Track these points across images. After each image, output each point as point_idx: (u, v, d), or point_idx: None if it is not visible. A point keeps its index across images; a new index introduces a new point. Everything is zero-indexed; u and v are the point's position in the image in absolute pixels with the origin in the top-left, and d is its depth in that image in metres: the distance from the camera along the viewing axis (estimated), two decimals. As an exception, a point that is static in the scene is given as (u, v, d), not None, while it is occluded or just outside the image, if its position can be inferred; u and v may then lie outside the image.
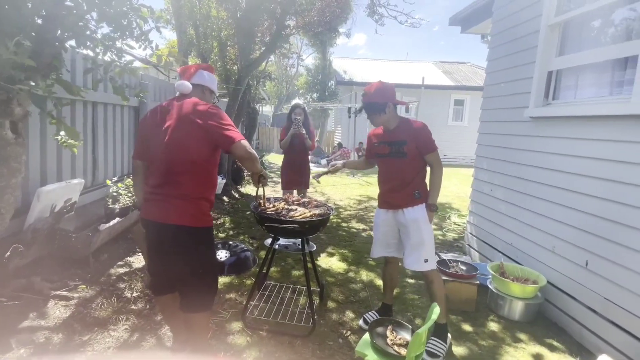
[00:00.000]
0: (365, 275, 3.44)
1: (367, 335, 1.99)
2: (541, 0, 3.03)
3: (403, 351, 1.85)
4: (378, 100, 2.31)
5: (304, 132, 4.14)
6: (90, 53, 2.10)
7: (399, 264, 2.62)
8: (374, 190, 8.05)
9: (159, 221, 1.75)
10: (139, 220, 2.20)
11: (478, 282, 2.86)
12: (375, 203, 6.85)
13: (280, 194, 4.59)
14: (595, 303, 2.40)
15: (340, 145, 13.03)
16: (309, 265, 2.65)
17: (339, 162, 2.76)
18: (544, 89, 3.02)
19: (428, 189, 2.40)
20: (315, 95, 15.42)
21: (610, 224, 2.33)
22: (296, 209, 2.47)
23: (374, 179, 9.76)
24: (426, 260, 2.30)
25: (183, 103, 1.79)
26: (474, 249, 3.96)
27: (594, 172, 2.49)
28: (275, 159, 12.41)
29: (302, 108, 4.32)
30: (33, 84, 1.44)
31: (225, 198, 5.95)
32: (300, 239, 2.48)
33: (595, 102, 2.59)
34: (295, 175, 4.29)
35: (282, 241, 2.62)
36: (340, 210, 6.02)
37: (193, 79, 1.96)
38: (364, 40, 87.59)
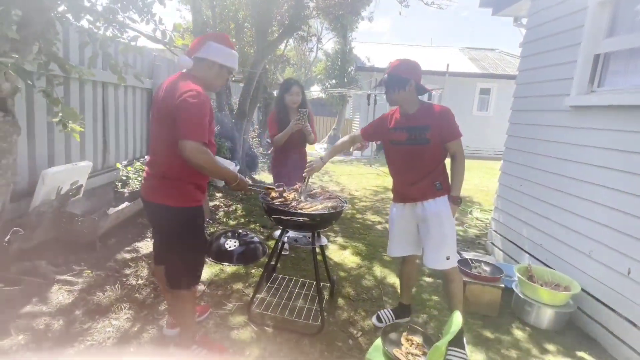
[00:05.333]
0: (379, 271, 3.26)
1: (379, 341, 1.83)
2: (591, -28, 2.67)
3: (418, 362, 1.68)
4: (401, 74, 2.08)
5: (309, 128, 3.08)
6: (91, 27, 1.95)
7: (417, 261, 2.43)
8: (391, 180, 7.78)
9: (144, 198, 1.85)
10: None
11: (503, 285, 2.63)
12: (392, 195, 6.63)
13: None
14: (638, 316, 2.14)
15: None
16: (320, 259, 2.50)
17: (317, 161, 2.42)
18: (589, 75, 2.69)
19: (449, 180, 2.18)
20: (333, 81, 15.03)
21: (662, 229, 2.05)
22: (307, 201, 2.30)
23: (391, 169, 9.47)
24: (448, 258, 2.11)
25: (173, 83, 1.68)
26: (498, 248, 3.70)
27: (644, 170, 2.19)
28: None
29: (301, 86, 3.19)
30: (16, 56, 1.30)
31: (238, 184, 5.84)
32: (310, 233, 2.32)
33: (651, 89, 2.26)
34: (294, 177, 2.93)
35: (291, 233, 2.47)
36: (356, 200, 5.82)
37: (198, 52, 1.77)
38: (388, 26, 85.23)
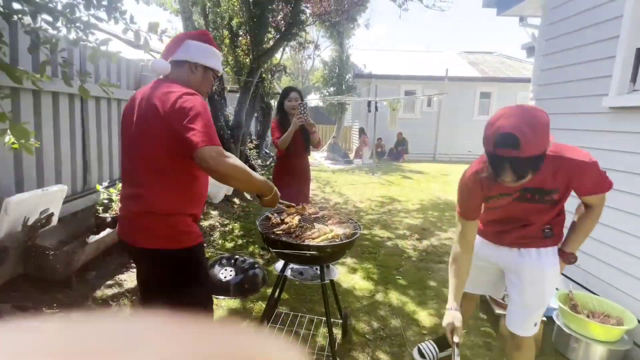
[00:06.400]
0: (395, 298, 2.88)
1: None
2: (627, -43, 2.37)
3: None
4: (538, 153, 1.28)
5: (312, 122, 2.86)
6: (48, 28, 1.61)
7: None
8: (395, 189, 7.41)
9: (129, 243, 1.40)
10: None
11: (544, 318, 2.26)
12: (399, 205, 6.28)
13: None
14: None
15: (362, 130, 12.48)
16: (328, 286, 2.13)
17: (454, 314, 1.53)
18: (631, 72, 2.37)
19: (568, 228, 1.65)
20: (331, 89, 14.78)
21: None
22: (314, 227, 1.94)
23: (394, 177, 9.13)
24: (535, 324, 1.65)
25: (153, 90, 1.32)
26: (524, 266, 3.33)
27: None
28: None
29: (299, 92, 3.03)
30: None
31: (236, 200, 5.49)
32: (319, 266, 1.96)
33: None
34: (298, 186, 2.95)
35: (295, 266, 2.11)
36: (362, 214, 5.46)
37: (176, 53, 1.45)
38: (384, 32, 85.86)
